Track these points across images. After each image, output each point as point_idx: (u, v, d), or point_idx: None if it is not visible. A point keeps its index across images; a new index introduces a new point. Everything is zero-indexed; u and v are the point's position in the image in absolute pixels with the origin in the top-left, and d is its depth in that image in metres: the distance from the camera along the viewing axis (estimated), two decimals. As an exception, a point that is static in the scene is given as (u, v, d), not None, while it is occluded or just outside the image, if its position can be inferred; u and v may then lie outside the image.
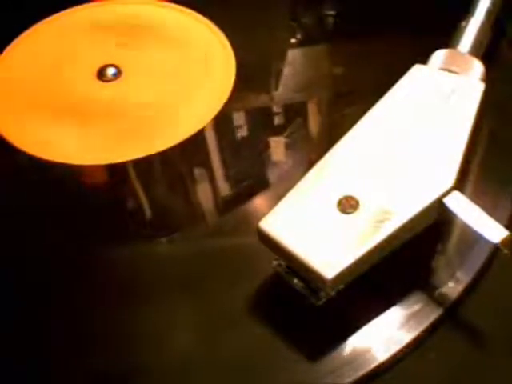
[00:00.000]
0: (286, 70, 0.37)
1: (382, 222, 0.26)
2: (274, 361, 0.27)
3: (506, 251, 0.26)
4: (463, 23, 0.32)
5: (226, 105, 0.34)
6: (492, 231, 0.26)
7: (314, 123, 0.35)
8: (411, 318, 0.27)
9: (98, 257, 0.30)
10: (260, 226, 0.27)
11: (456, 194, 0.27)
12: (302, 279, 0.27)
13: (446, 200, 0.27)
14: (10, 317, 0.28)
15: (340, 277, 0.26)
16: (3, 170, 0.33)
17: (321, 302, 0.27)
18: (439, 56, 0.31)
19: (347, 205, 0.27)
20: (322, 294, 0.27)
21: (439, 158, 0.28)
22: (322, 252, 0.26)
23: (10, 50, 0.37)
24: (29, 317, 0.28)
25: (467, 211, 0.27)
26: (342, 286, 0.27)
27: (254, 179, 0.33)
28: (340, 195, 0.27)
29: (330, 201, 0.27)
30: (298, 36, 0.39)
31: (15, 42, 0.38)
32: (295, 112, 0.35)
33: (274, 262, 0.28)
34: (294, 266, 0.27)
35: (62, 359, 0.27)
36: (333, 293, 0.27)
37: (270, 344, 0.27)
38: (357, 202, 0.27)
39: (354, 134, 0.29)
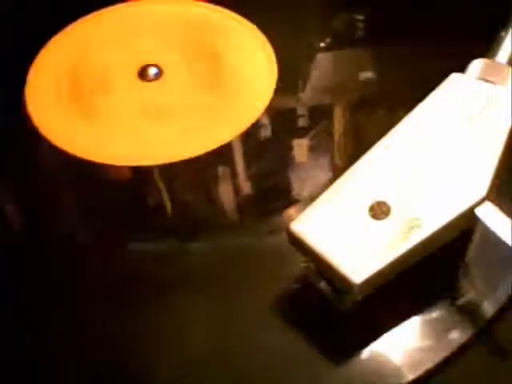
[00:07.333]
0: (318, 73, 0.37)
1: (412, 229, 0.26)
2: (296, 364, 0.27)
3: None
4: (502, 33, 0.32)
5: (267, 109, 0.34)
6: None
7: (339, 126, 0.35)
8: (444, 333, 0.27)
9: (124, 254, 0.31)
10: (291, 227, 0.27)
11: (488, 204, 0.27)
12: (329, 282, 0.27)
13: (477, 210, 0.27)
14: (12, 315, 0.29)
15: (368, 282, 0.26)
16: (41, 166, 0.34)
17: (346, 307, 0.27)
18: (477, 65, 0.31)
19: (379, 210, 0.27)
20: (349, 298, 0.27)
21: (473, 167, 0.28)
22: (350, 257, 0.26)
23: (55, 41, 0.38)
24: (38, 312, 0.29)
25: (498, 223, 0.27)
26: (368, 292, 0.27)
27: (283, 181, 0.33)
28: (372, 201, 0.27)
29: (362, 206, 0.27)
30: (328, 40, 0.39)
31: (58, 35, 0.38)
32: (325, 114, 0.35)
33: (302, 265, 0.28)
34: (322, 270, 0.27)
35: (72, 354, 0.27)
36: (359, 298, 0.27)
37: (293, 347, 0.27)
38: (388, 209, 0.27)
39: (388, 139, 0.29)
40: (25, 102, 0.35)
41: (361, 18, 0.39)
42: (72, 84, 0.36)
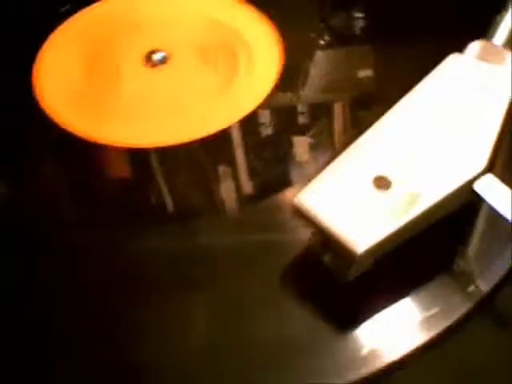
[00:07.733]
0: (317, 71, 0.37)
1: (412, 201, 0.27)
2: (299, 341, 0.27)
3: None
4: (498, 16, 0.33)
5: (264, 101, 0.35)
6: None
7: (339, 124, 0.35)
8: (443, 306, 0.28)
9: (124, 250, 0.31)
10: (295, 199, 0.27)
11: (488, 176, 0.28)
12: (333, 255, 0.28)
13: (476, 183, 0.28)
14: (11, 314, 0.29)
15: (370, 252, 0.26)
16: (47, 150, 0.35)
17: (350, 279, 0.28)
18: (474, 47, 0.32)
19: (380, 184, 0.28)
20: (352, 270, 0.27)
21: (472, 142, 0.29)
22: (353, 227, 0.27)
23: (62, 28, 0.39)
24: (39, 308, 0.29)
25: (497, 195, 0.27)
26: (370, 265, 0.27)
27: (280, 176, 0.33)
28: (373, 176, 0.28)
29: (365, 179, 0.28)
30: (327, 37, 0.39)
31: (68, 21, 0.39)
32: (325, 112, 0.36)
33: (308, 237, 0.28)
34: (326, 241, 0.27)
35: (72, 353, 0.27)
36: (362, 269, 0.27)
37: (297, 323, 0.27)
38: (389, 182, 0.28)
39: (390, 115, 0.30)
40: (33, 89, 0.36)
41: (361, 15, 0.40)
42: (80, 70, 0.37)
